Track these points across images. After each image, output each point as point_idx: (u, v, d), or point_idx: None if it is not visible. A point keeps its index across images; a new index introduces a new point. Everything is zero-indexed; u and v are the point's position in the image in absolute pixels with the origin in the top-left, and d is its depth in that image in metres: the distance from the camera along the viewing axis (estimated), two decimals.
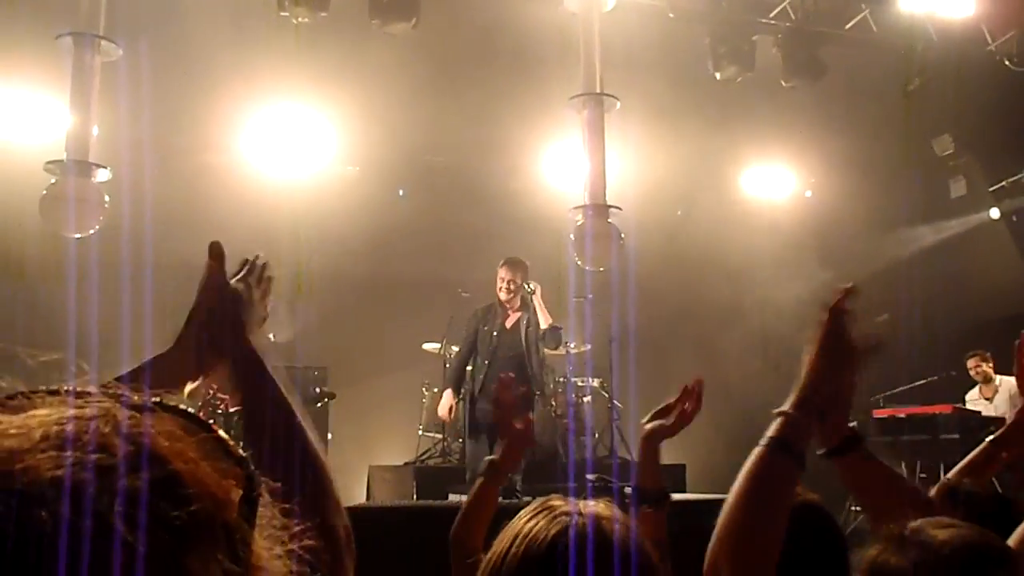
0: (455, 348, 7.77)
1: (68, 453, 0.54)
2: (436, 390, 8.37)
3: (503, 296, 6.94)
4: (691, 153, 9.29)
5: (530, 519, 1.44)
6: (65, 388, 0.62)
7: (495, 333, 6.93)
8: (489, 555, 1.47)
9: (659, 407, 2.46)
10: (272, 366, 1.38)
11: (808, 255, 9.52)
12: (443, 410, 7.25)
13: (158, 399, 0.64)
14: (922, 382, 8.62)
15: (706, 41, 8.67)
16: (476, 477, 2.34)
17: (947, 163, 10.21)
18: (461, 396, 7.43)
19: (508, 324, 6.97)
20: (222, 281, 1.48)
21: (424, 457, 8.39)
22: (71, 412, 0.58)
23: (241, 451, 0.64)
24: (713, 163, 9.94)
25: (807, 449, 1.48)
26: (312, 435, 1.33)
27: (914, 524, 1.46)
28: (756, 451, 1.44)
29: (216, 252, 1.50)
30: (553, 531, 1.40)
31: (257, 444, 1.29)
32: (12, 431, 0.56)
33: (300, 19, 7.38)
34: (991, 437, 2.21)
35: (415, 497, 7.31)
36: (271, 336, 8.30)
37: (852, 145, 9.45)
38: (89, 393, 0.61)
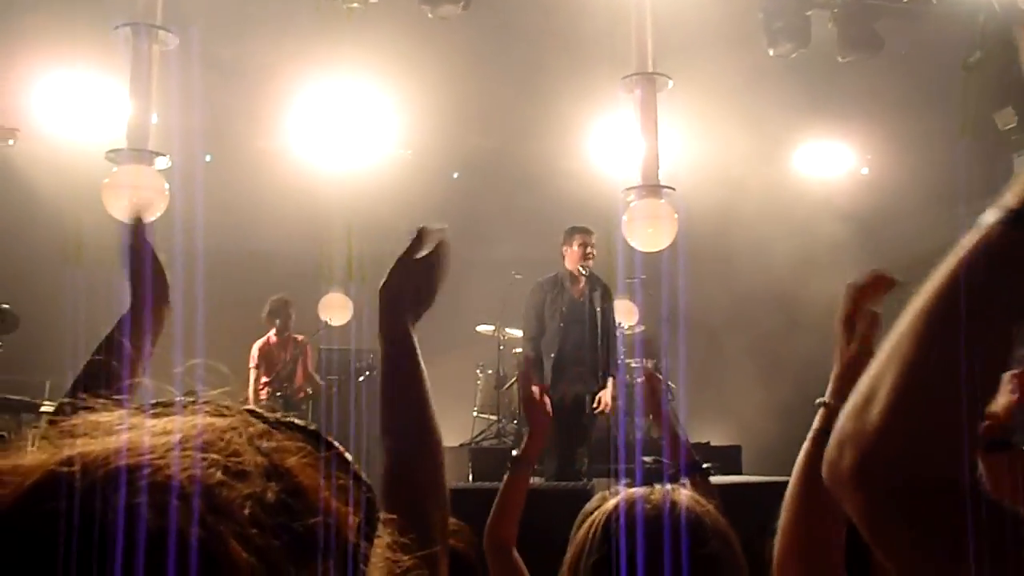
0: (509, 330, 7.78)
1: (203, 455, 0.58)
2: (490, 372, 8.41)
3: (586, 262, 6.77)
4: (745, 132, 9.17)
5: (607, 501, 1.48)
6: (203, 400, 0.67)
7: (563, 308, 6.73)
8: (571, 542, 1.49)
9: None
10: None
11: (865, 233, 9.36)
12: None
13: (289, 418, 0.68)
14: None
15: (760, 17, 8.52)
16: (520, 466, 2.37)
17: (1010, 137, 9.94)
18: (516, 378, 7.45)
19: (577, 295, 6.79)
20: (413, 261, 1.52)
21: (479, 439, 8.44)
22: (208, 420, 0.63)
23: (362, 473, 0.68)
24: (768, 141, 9.80)
25: None
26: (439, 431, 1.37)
27: None
28: None
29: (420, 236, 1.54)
30: (615, 501, 1.43)
31: (387, 420, 1.33)
32: (156, 430, 0.60)
33: (350, 5, 7.41)
34: None
35: (471, 479, 7.37)
36: (328, 320, 8.41)
37: (910, 120, 9.24)
38: (227, 406, 0.66)
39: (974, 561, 0.73)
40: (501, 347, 8.33)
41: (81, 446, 0.58)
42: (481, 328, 8.63)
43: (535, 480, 5.83)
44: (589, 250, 6.76)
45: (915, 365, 0.78)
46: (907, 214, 9.70)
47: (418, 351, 1.42)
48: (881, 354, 0.81)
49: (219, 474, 0.58)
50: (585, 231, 6.86)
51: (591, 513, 1.50)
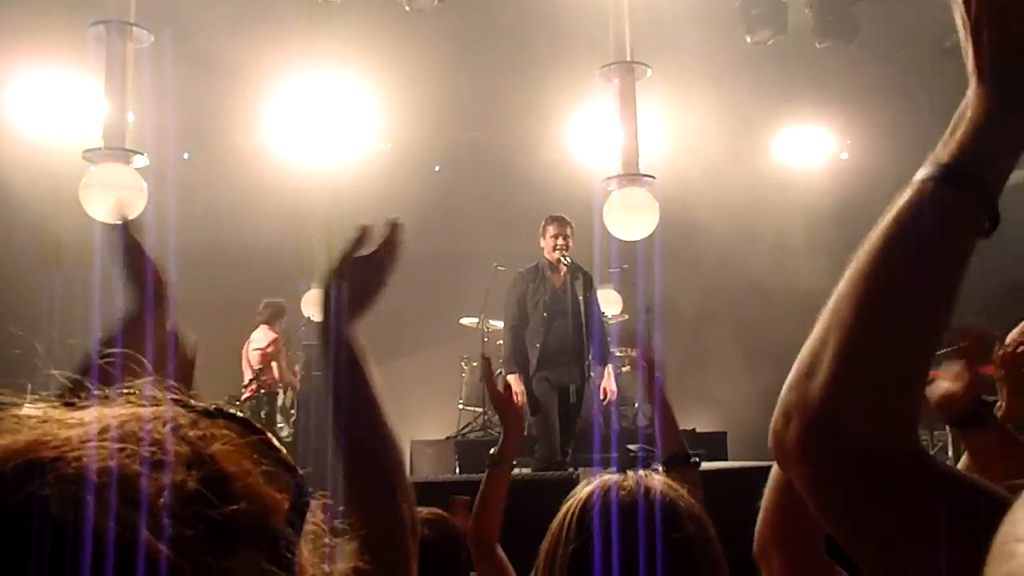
0: (493, 322, 7.77)
1: (121, 446, 0.57)
2: (475, 364, 8.41)
3: (556, 254, 6.62)
4: (724, 119, 9.19)
5: (585, 487, 1.49)
6: (131, 390, 0.65)
7: (546, 299, 6.63)
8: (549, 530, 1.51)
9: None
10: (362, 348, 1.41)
11: (844, 218, 9.40)
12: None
13: (217, 406, 0.66)
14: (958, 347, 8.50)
15: (737, 4, 8.54)
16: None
17: None
18: (501, 370, 7.43)
19: (558, 284, 6.70)
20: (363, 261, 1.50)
21: (465, 431, 8.45)
22: (131, 411, 0.61)
23: (291, 460, 0.66)
24: (747, 128, 9.83)
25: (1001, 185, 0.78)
26: (394, 426, 1.36)
27: None
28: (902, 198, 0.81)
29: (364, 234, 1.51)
30: (589, 489, 1.44)
31: (337, 419, 1.32)
32: (72, 422, 0.59)
33: None
34: None
35: (457, 471, 7.37)
36: (311, 316, 8.40)
37: (888, 104, 9.29)
38: (154, 397, 0.64)
39: (921, 530, 0.71)
40: (485, 339, 8.33)
41: None
42: (465, 321, 8.63)
43: (522, 471, 5.84)
44: (561, 241, 6.61)
45: (855, 330, 0.75)
46: (887, 199, 9.72)
47: (364, 349, 1.41)
48: (822, 320, 0.79)
49: (136, 465, 0.56)
50: (560, 221, 6.71)
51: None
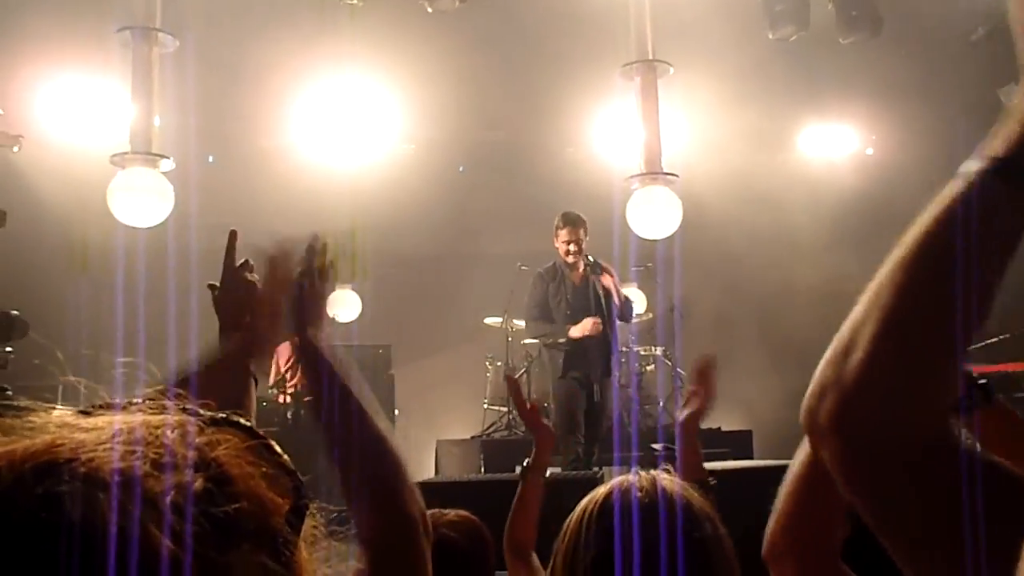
0: (516, 321, 7.78)
1: (132, 448, 0.60)
2: (500, 363, 8.43)
3: (570, 259, 6.59)
4: (748, 116, 9.15)
5: (600, 489, 1.49)
6: (143, 400, 0.69)
7: (568, 297, 6.59)
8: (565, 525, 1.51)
9: (685, 399, 2.48)
10: (338, 357, 1.42)
11: (870, 214, 9.33)
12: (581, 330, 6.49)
13: (224, 414, 0.69)
14: (994, 340, 8.42)
15: (759, 0, 8.50)
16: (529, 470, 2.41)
17: None
18: (525, 370, 7.46)
19: (578, 282, 6.66)
20: (234, 273, 1.53)
21: (490, 430, 8.46)
22: (143, 418, 0.65)
23: (291, 465, 0.69)
24: (771, 125, 9.77)
25: None
26: (383, 423, 1.37)
27: None
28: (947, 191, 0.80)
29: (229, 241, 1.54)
30: (603, 492, 1.44)
31: (327, 432, 1.34)
32: (86, 426, 0.63)
33: (350, 1, 7.41)
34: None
35: (482, 470, 7.39)
36: (335, 316, 8.44)
37: (914, 100, 9.20)
38: (164, 406, 0.67)
39: (948, 511, 0.72)
40: (510, 339, 8.34)
41: (11, 443, 0.60)
42: (489, 320, 8.64)
43: (550, 471, 5.83)
44: (574, 247, 6.54)
45: (896, 314, 0.77)
46: (912, 194, 9.61)
47: (340, 359, 1.42)
48: (862, 302, 0.80)
49: (145, 466, 0.59)
50: (572, 223, 6.60)
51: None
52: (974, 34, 8.89)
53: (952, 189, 0.79)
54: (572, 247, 6.55)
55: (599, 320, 6.41)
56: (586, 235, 6.62)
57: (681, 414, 2.43)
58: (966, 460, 0.74)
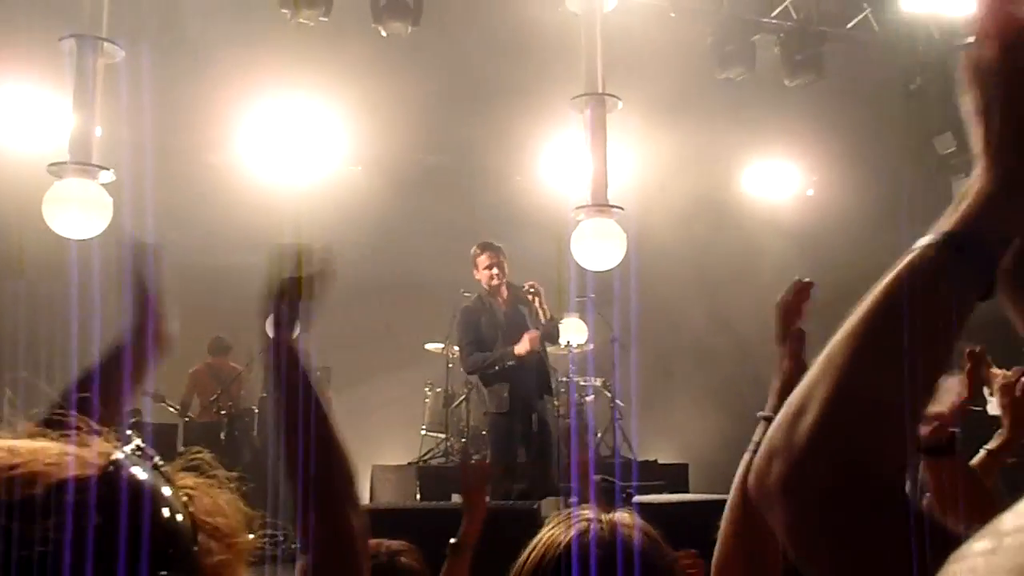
0: (457, 348, 7.74)
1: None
2: (439, 390, 8.38)
3: (495, 282, 6.58)
4: (693, 152, 9.29)
5: (552, 527, 1.46)
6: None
7: (500, 325, 6.57)
8: (515, 566, 1.48)
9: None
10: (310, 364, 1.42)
11: (809, 254, 9.51)
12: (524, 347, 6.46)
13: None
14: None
15: (709, 40, 8.67)
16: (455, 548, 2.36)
17: (949, 161, 10.20)
18: (465, 397, 7.42)
19: (506, 308, 6.67)
20: (294, 280, 1.51)
21: (427, 457, 8.39)
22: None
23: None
24: (716, 161, 9.94)
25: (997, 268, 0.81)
26: (341, 436, 1.37)
27: None
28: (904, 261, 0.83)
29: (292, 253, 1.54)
30: (568, 537, 1.41)
31: (287, 434, 1.33)
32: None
33: (301, 21, 7.39)
34: (988, 447, 2.27)
35: (418, 497, 7.31)
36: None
37: (854, 143, 9.45)
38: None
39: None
40: (450, 364, 8.30)
41: None
42: (430, 346, 8.60)
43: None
44: (496, 270, 6.55)
45: (846, 382, 0.78)
46: (850, 235, 9.89)
47: (311, 364, 1.43)
48: (814, 368, 0.81)
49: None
50: (490, 247, 6.64)
51: (542, 542, 1.48)
52: (912, 83, 9.17)
53: (904, 261, 0.82)
54: (495, 270, 6.58)
55: (536, 333, 6.42)
56: (505, 259, 6.66)
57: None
58: (915, 525, 0.75)
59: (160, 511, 0.63)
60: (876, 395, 0.78)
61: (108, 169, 6.52)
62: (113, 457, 0.65)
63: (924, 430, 1.70)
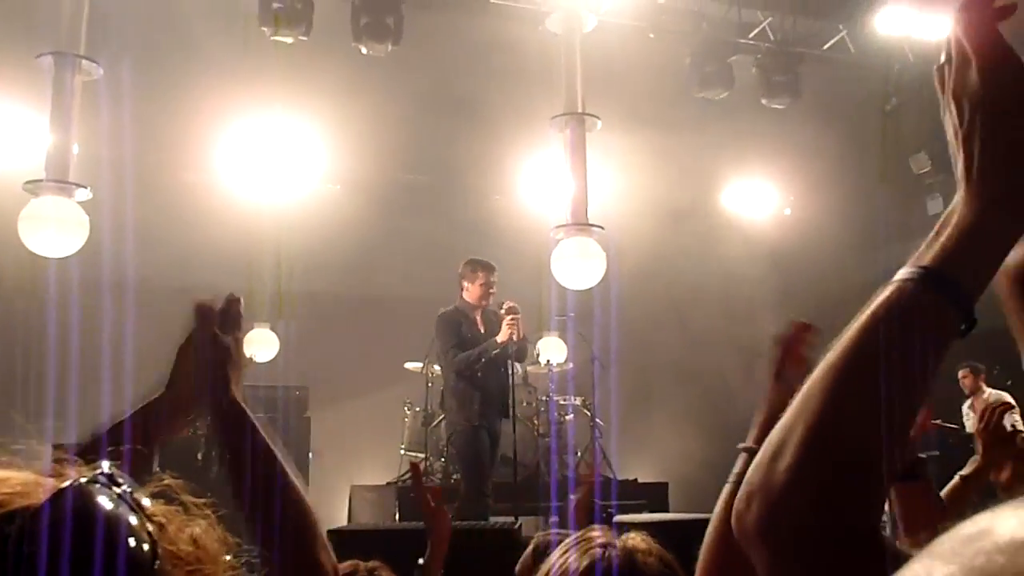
0: (437, 367, 7.72)
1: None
2: (418, 409, 8.34)
3: (485, 302, 6.60)
4: (673, 172, 9.34)
5: (564, 552, 1.43)
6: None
7: (477, 340, 6.57)
8: None
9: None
10: (254, 415, 1.40)
11: (786, 272, 9.58)
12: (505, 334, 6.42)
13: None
14: None
15: (687, 61, 8.73)
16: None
17: (924, 181, 10.32)
18: (443, 417, 7.40)
19: (483, 328, 6.67)
20: (211, 336, 1.47)
21: (406, 477, 8.34)
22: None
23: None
24: (695, 181, 9.99)
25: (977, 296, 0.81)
26: (295, 477, 1.35)
27: None
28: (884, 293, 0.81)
29: (203, 312, 1.49)
30: (584, 564, 1.38)
31: (239, 487, 1.31)
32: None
33: (282, 39, 7.39)
34: (962, 473, 2.29)
35: (397, 517, 7.27)
36: (253, 356, 8.28)
37: (830, 163, 9.53)
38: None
39: None
40: (429, 384, 8.27)
41: None
42: (409, 365, 8.57)
43: (459, 523, 5.75)
44: (493, 289, 6.60)
45: (823, 423, 0.77)
46: (826, 254, 9.97)
47: (248, 413, 1.40)
48: (792, 408, 0.80)
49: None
50: (489, 267, 6.68)
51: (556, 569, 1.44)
52: (888, 104, 9.27)
53: (882, 296, 0.80)
54: (493, 289, 6.61)
55: (511, 319, 6.38)
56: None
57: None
58: (891, 566, 0.75)
59: (115, 538, 0.62)
60: (853, 436, 0.77)
61: (85, 187, 6.48)
62: (66, 484, 0.64)
63: None
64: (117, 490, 0.65)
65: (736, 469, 1.43)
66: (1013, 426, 2.42)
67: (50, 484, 0.64)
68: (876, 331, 0.78)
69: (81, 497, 0.63)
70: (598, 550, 1.39)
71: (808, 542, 0.76)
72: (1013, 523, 0.40)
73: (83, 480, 0.64)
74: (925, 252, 0.81)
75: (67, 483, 0.64)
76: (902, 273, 0.81)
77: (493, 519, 6.07)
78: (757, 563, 0.79)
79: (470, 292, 6.67)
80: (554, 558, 1.42)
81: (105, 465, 0.67)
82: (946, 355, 0.79)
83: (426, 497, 2.38)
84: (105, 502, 0.63)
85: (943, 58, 0.84)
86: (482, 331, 6.63)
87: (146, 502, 0.67)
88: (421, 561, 2.33)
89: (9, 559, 0.58)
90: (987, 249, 0.80)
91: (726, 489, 1.44)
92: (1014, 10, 0.81)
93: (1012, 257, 0.83)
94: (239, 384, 1.44)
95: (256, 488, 1.30)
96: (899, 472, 1.66)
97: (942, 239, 0.81)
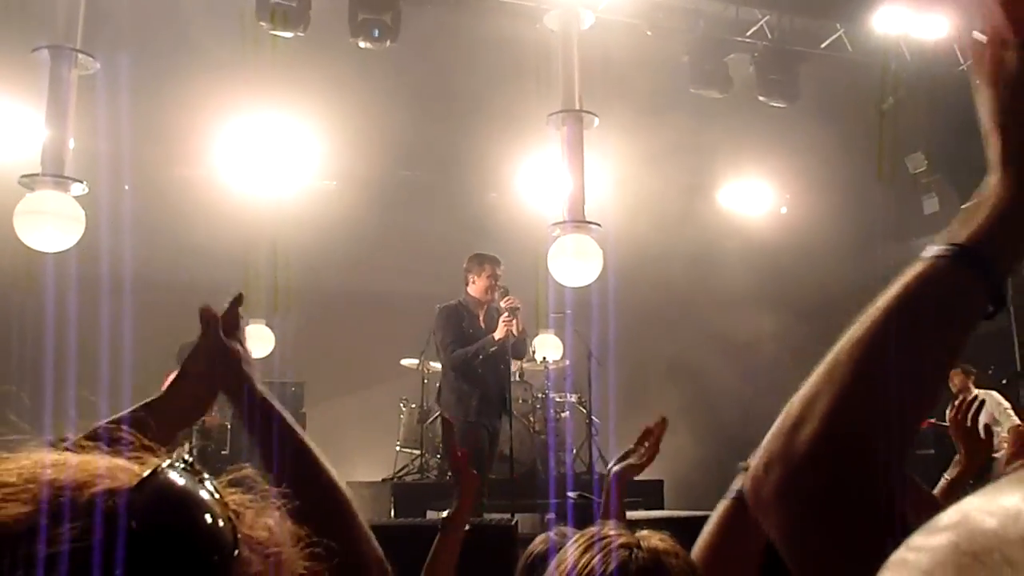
0: (433, 364, 7.71)
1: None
2: (414, 405, 8.34)
3: (489, 295, 6.51)
4: (670, 169, 9.35)
5: (584, 552, 1.40)
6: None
7: (477, 334, 6.51)
8: None
9: (623, 452, 2.49)
10: (279, 406, 1.41)
11: (782, 271, 9.58)
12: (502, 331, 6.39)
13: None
14: None
15: (685, 58, 8.74)
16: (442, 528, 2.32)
17: (920, 180, 10.33)
18: (440, 413, 7.40)
19: (484, 322, 6.61)
20: (220, 343, 1.47)
21: (402, 473, 8.34)
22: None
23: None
24: (692, 179, 10.00)
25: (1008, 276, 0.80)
26: (330, 468, 1.35)
27: None
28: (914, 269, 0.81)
29: (208, 318, 1.49)
30: (610, 566, 1.36)
31: (274, 481, 1.32)
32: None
33: (279, 33, 7.38)
34: (947, 476, 2.30)
35: (393, 514, 7.27)
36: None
37: (827, 162, 9.54)
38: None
39: None
40: (425, 380, 8.27)
41: None
42: (405, 362, 8.56)
43: (439, 515, 5.75)
44: (497, 282, 6.51)
45: (850, 388, 0.77)
46: (822, 253, 9.98)
47: (274, 404, 1.41)
48: (814, 377, 0.80)
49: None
50: (495, 261, 6.60)
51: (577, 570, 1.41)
52: (885, 103, 9.28)
53: (913, 271, 0.80)
54: (498, 282, 6.53)
55: (507, 317, 6.37)
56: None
57: (618, 464, 2.43)
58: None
59: (198, 520, 0.63)
60: (879, 406, 0.77)
61: (80, 181, 6.47)
62: (159, 467, 0.66)
63: None
64: (196, 476, 0.67)
65: (735, 486, 1.42)
66: (987, 425, 2.42)
67: (127, 466, 0.66)
68: (907, 303, 0.78)
69: (166, 480, 0.65)
70: (622, 551, 1.37)
71: (828, 508, 0.76)
72: (1008, 493, 0.43)
73: (165, 464, 0.66)
74: (959, 231, 0.81)
75: (153, 468, 0.65)
76: (935, 250, 0.81)
77: (489, 516, 6.08)
78: (772, 530, 0.79)
79: (476, 286, 6.59)
80: (571, 558, 1.39)
81: (184, 454, 0.69)
82: (972, 333, 0.80)
83: (456, 450, 2.37)
84: (189, 486, 0.65)
85: (977, 35, 0.83)
86: (483, 327, 6.58)
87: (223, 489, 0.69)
88: (445, 514, 2.33)
89: (99, 538, 0.59)
90: (1020, 232, 0.80)
91: (723, 504, 1.42)
92: None
93: None
94: (258, 380, 1.46)
95: (291, 481, 1.31)
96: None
97: (977, 219, 0.81)
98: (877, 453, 0.77)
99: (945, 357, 0.79)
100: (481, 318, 6.63)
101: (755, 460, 0.80)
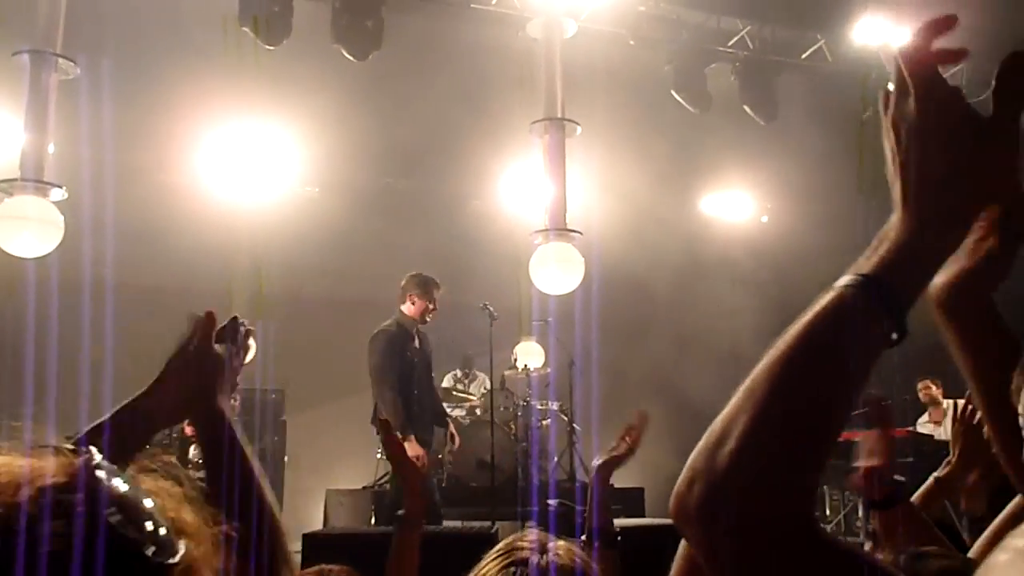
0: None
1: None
2: None
3: (428, 319, 6.45)
4: (651, 178, 9.37)
5: (490, 560, 1.43)
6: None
7: (416, 358, 6.48)
8: None
9: (610, 447, 2.53)
10: (237, 428, 1.43)
11: (764, 279, 9.62)
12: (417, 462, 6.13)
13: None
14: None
15: (667, 68, 8.78)
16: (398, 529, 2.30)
17: None
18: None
19: (420, 343, 6.57)
20: (207, 346, 1.50)
21: (382, 481, 8.32)
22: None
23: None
24: (673, 187, 10.03)
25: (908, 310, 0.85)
26: (269, 494, 1.38)
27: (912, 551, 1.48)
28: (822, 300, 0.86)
29: (201, 322, 1.52)
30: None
31: (215, 492, 1.34)
32: None
33: (262, 42, 7.37)
34: (936, 475, 2.32)
35: (373, 521, 7.25)
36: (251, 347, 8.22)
37: (808, 171, 9.59)
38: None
39: None
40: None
41: None
42: None
43: (432, 528, 5.73)
44: (437, 307, 6.42)
45: (767, 410, 0.82)
46: (803, 262, 10.02)
47: (232, 424, 1.43)
48: (736, 397, 0.84)
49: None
50: (438, 285, 6.47)
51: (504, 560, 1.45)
52: (865, 113, 9.34)
53: (823, 299, 0.86)
54: (437, 307, 6.43)
55: (422, 452, 6.13)
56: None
57: (599, 457, 2.45)
58: (825, 549, 0.79)
59: (134, 512, 0.66)
60: (793, 427, 0.82)
61: (60, 187, 6.43)
62: (77, 464, 0.67)
63: (873, 487, 1.79)
64: (112, 470, 0.69)
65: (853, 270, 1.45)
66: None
67: (42, 465, 0.67)
68: (817, 332, 0.84)
69: (90, 475, 0.67)
70: (522, 566, 1.40)
71: (746, 525, 0.79)
72: None
73: (84, 459, 0.68)
74: (864, 263, 0.88)
75: (75, 463, 0.68)
76: (843, 280, 0.87)
77: (469, 524, 6.07)
78: (695, 545, 0.83)
79: (414, 307, 6.43)
80: (480, 565, 1.44)
81: (94, 449, 0.71)
82: (878, 361, 0.85)
83: (395, 443, 2.36)
84: (112, 478, 0.68)
85: (890, 86, 0.93)
86: (419, 348, 6.52)
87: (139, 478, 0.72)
88: (400, 512, 2.31)
89: (25, 537, 0.62)
90: (920, 265, 0.88)
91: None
92: (955, 56, 0.88)
93: (935, 283, 0.89)
94: (226, 394, 1.48)
95: (231, 494, 1.32)
96: (882, 502, 1.71)
97: (880, 252, 0.88)
98: (791, 473, 0.81)
99: (854, 379, 0.83)
100: (416, 338, 6.51)
101: (680, 476, 0.83)
